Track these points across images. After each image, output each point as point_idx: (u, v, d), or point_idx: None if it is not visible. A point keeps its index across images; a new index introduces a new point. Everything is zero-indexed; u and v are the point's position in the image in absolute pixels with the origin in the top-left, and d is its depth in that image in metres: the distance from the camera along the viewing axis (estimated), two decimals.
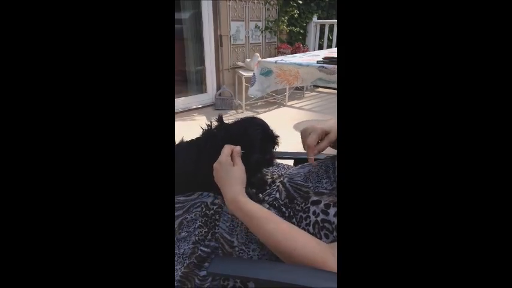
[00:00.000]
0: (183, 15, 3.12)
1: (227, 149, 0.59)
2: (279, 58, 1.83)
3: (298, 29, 3.65)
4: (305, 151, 0.65)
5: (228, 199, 0.56)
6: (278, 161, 0.88)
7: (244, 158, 0.60)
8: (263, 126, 0.66)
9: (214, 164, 0.59)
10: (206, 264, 0.58)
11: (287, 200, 0.64)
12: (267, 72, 1.77)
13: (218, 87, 3.29)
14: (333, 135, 0.63)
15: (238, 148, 0.60)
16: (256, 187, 0.73)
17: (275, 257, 0.57)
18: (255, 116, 0.70)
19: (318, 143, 0.63)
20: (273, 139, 0.67)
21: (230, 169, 0.57)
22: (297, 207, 0.61)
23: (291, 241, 0.50)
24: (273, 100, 3.43)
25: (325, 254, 0.48)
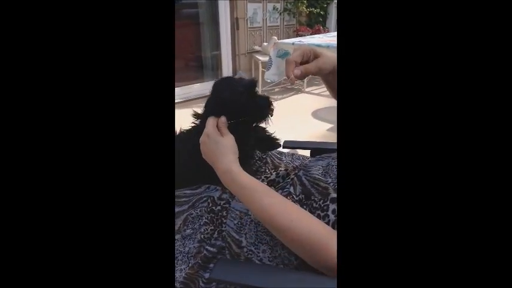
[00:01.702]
0: None
1: (212, 120, 0.55)
2: (296, 39, 1.72)
3: (318, 10, 3.48)
4: (325, 141, 0.58)
5: (221, 170, 0.52)
6: (293, 151, 0.81)
7: (243, 126, 0.57)
8: (239, 83, 0.60)
9: (201, 138, 0.55)
10: (211, 265, 0.53)
11: (303, 195, 0.57)
12: (284, 54, 1.67)
13: (234, 73, 3.21)
14: (323, 61, 0.54)
15: (223, 118, 0.55)
16: (254, 170, 0.69)
17: (287, 260, 0.51)
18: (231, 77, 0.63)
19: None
20: (253, 84, 0.61)
21: (220, 139, 0.53)
22: (314, 205, 0.54)
23: (289, 215, 0.45)
24: (291, 86, 3.31)
25: (330, 239, 0.42)
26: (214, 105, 0.60)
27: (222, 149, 0.52)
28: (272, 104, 0.62)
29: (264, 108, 0.61)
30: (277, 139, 0.75)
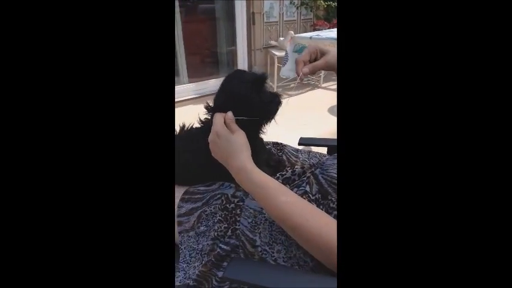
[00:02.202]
0: None
1: (219, 117, 0.53)
2: (314, 33, 1.68)
3: (336, 4, 3.38)
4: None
5: (235, 168, 0.50)
6: (309, 148, 0.79)
7: (251, 123, 0.55)
8: (248, 76, 0.59)
9: (210, 137, 0.53)
10: (225, 263, 0.52)
11: (319, 195, 0.55)
12: (301, 49, 1.63)
13: (250, 69, 3.19)
14: (331, 57, 0.61)
15: (230, 114, 0.53)
16: (271, 166, 0.67)
17: (303, 262, 0.49)
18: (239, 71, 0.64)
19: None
20: (261, 79, 0.60)
21: (231, 137, 0.51)
22: (331, 205, 0.52)
23: (304, 214, 0.44)
24: (307, 81, 3.26)
25: None
26: (222, 98, 0.59)
27: (234, 146, 0.50)
28: (280, 103, 0.60)
29: (271, 105, 0.59)
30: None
